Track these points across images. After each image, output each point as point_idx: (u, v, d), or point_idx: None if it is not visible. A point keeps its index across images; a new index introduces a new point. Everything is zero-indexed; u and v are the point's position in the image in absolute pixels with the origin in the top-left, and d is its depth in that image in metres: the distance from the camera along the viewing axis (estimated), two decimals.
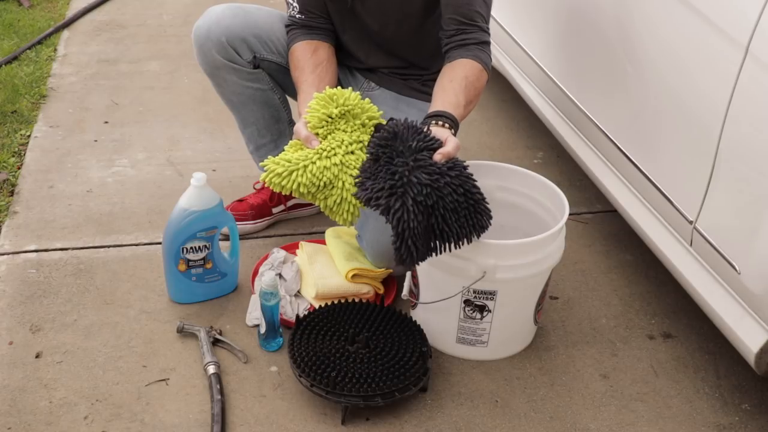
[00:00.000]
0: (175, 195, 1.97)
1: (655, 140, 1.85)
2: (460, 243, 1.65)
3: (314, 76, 1.93)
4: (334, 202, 1.76)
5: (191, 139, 2.76)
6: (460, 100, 1.77)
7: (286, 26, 2.03)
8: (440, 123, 1.72)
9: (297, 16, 2.00)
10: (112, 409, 1.70)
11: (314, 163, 1.72)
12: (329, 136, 1.75)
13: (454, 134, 1.72)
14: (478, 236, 1.67)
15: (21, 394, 1.72)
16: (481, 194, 1.66)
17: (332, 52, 2.02)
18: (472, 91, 1.81)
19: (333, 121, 1.75)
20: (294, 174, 1.71)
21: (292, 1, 2.00)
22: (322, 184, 1.72)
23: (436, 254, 1.66)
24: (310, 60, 1.96)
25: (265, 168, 1.75)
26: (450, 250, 1.66)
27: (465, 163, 1.67)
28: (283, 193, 1.76)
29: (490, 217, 1.68)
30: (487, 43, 1.90)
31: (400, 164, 1.60)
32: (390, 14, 1.96)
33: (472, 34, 1.87)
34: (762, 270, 1.53)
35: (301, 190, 1.73)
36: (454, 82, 1.80)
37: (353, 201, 1.74)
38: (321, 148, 1.73)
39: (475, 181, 1.66)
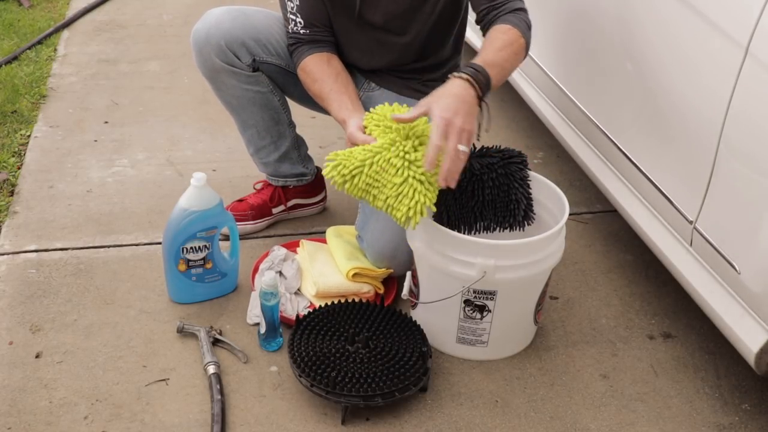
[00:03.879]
0: (175, 195, 1.97)
1: (655, 140, 1.85)
2: (490, 230, 1.89)
3: (339, 85, 1.93)
4: (399, 193, 1.66)
5: (191, 139, 2.76)
6: (491, 55, 1.71)
7: (289, 45, 2.01)
8: (462, 76, 1.63)
9: (301, 32, 1.97)
10: (112, 409, 1.70)
11: (380, 153, 1.66)
12: (388, 137, 1.70)
13: (476, 82, 1.63)
14: (511, 229, 1.88)
15: (21, 394, 1.72)
16: (524, 198, 1.86)
17: (342, 64, 2.01)
18: (507, 48, 1.75)
19: (393, 131, 1.71)
20: (358, 168, 1.67)
21: (294, 17, 1.97)
22: (384, 178, 1.67)
23: (469, 233, 1.87)
24: (327, 70, 1.95)
25: (327, 163, 1.71)
26: (482, 231, 1.89)
27: (525, 166, 1.88)
28: (341, 188, 1.70)
29: (527, 219, 1.88)
30: (521, 9, 1.84)
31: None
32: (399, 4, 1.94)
33: (503, 5, 1.83)
34: (762, 270, 1.53)
35: (362, 183, 1.68)
36: (491, 43, 1.76)
37: (420, 196, 1.64)
38: (386, 143, 1.68)
39: (525, 184, 1.87)
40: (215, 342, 1.86)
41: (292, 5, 1.97)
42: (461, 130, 1.57)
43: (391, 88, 2.12)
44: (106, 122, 2.84)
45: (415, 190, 1.64)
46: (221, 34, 1.99)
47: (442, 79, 2.12)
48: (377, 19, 1.96)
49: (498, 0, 1.85)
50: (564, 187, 1.94)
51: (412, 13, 1.95)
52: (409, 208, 1.65)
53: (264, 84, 2.08)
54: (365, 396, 1.64)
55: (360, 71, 2.15)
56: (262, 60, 2.04)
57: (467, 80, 1.63)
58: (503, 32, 1.77)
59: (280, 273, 2.02)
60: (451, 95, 1.61)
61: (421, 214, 1.65)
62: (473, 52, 3.04)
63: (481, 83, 1.65)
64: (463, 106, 1.60)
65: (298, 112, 2.25)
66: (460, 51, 2.18)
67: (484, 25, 1.88)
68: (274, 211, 2.29)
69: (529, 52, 2.45)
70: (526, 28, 1.82)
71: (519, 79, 2.61)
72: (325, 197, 2.39)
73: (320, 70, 1.96)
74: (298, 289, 2.01)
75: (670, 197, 1.80)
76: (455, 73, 1.65)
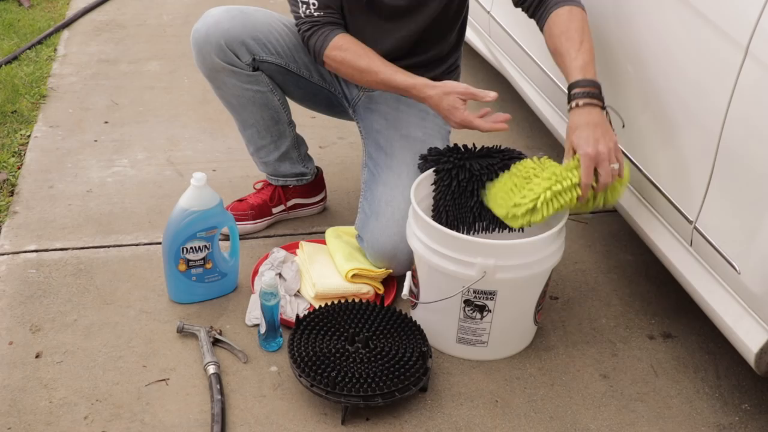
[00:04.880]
0: (175, 195, 1.97)
1: (655, 140, 1.85)
2: (490, 231, 1.91)
3: (385, 59, 1.92)
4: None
5: (191, 139, 2.76)
6: (584, 57, 1.75)
7: (304, 30, 1.96)
8: (579, 104, 1.70)
9: (315, 14, 1.94)
10: (112, 409, 1.70)
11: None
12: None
13: (595, 98, 1.70)
14: (509, 231, 1.88)
15: (21, 394, 1.72)
16: None
17: None
18: (584, 35, 1.79)
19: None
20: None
21: (307, 0, 1.94)
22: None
23: (467, 232, 1.90)
24: (367, 47, 1.93)
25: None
26: (482, 231, 1.91)
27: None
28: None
29: None
30: None
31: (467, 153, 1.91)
32: None
33: None
34: (762, 270, 1.53)
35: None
36: (565, 42, 1.78)
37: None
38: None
39: None
40: (215, 342, 1.86)
41: None
42: (608, 153, 1.65)
43: None
44: (106, 122, 2.84)
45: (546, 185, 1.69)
46: (221, 33, 1.99)
47: (441, 78, 2.13)
48: (387, 0, 1.95)
49: None
50: None
51: (415, 4, 1.96)
52: (538, 196, 1.67)
53: (264, 83, 2.08)
54: (365, 396, 1.64)
55: None
56: (261, 59, 2.03)
57: (588, 104, 1.69)
58: (571, 19, 1.80)
59: (280, 275, 2.02)
60: (583, 125, 1.68)
61: (548, 208, 1.67)
62: (472, 53, 3.06)
63: (597, 95, 1.70)
64: (597, 129, 1.67)
65: (298, 112, 2.25)
66: (461, 47, 2.18)
67: (532, 5, 1.90)
68: (274, 211, 2.29)
69: (529, 52, 2.46)
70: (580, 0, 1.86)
71: (519, 78, 2.61)
72: (325, 197, 2.39)
73: (361, 47, 1.94)
74: (298, 291, 2.01)
75: (670, 197, 1.80)
76: (575, 102, 1.70)
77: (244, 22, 2.01)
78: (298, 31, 1.99)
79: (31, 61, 3.25)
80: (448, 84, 1.84)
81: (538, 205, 1.68)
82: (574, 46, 1.76)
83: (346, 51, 1.93)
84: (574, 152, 1.69)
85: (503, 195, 1.80)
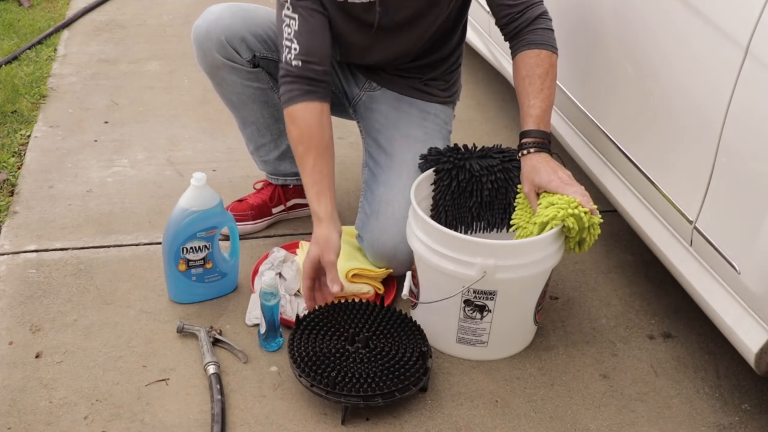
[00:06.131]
0: (175, 195, 1.97)
1: (655, 140, 1.85)
2: (488, 230, 1.96)
3: (322, 162, 1.84)
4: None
5: (191, 139, 2.76)
6: (542, 106, 1.84)
7: (282, 75, 1.88)
8: (530, 151, 1.81)
9: (293, 63, 1.84)
10: (112, 409, 1.70)
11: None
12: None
13: (543, 147, 1.81)
14: (507, 230, 1.91)
15: (21, 394, 1.72)
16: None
17: (330, 117, 1.91)
18: (546, 81, 1.85)
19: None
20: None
21: (290, 43, 1.85)
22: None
23: (466, 232, 1.95)
24: (317, 134, 1.85)
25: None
26: (480, 231, 1.97)
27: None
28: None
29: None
30: (541, 16, 1.89)
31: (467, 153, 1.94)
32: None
33: (524, 15, 1.89)
34: (762, 270, 1.53)
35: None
36: (527, 87, 1.85)
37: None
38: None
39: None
40: (215, 342, 1.86)
41: (290, 30, 1.86)
42: (569, 177, 1.77)
43: (392, 87, 2.12)
44: (106, 122, 2.84)
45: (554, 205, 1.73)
46: (221, 30, 1.99)
47: (443, 78, 2.14)
48: (387, 23, 1.95)
49: (517, 6, 1.88)
50: None
51: (419, 17, 1.95)
52: (547, 216, 1.70)
53: (264, 80, 2.08)
54: (365, 396, 1.64)
55: (360, 70, 2.15)
56: (262, 56, 2.03)
57: (537, 152, 1.81)
58: (537, 64, 1.85)
59: (280, 275, 2.02)
60: (537, 164, 1.79)
61: (561, 221, 1.70)
62: (473, 53, 3.05)
63: (546, 147, 1.82)
64: (551, 163, 1.80)
65: None
66: (462, 47, 2.18)
67: (507, 34, 1.92)
68: (274, 211, 2.29)
69: None
70: (552, 38, 1.89)
71: None
72: None
73: (309, 131, 1.85)
74: (298, 291, 2.01)
75: (670, 197, 1.80)
76: (526, 150, 1.82)
77: (244, 18, 2.01)
78: (279, 73, 1.91)
79: (31, 61, 3.25)
80: (328, 247, 1.77)
81: (565, 212, 1.70)
82: (534, 92, 1.84)
83: (294, 126, 1.86)
84: (538, 194, 1.78)
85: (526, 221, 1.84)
